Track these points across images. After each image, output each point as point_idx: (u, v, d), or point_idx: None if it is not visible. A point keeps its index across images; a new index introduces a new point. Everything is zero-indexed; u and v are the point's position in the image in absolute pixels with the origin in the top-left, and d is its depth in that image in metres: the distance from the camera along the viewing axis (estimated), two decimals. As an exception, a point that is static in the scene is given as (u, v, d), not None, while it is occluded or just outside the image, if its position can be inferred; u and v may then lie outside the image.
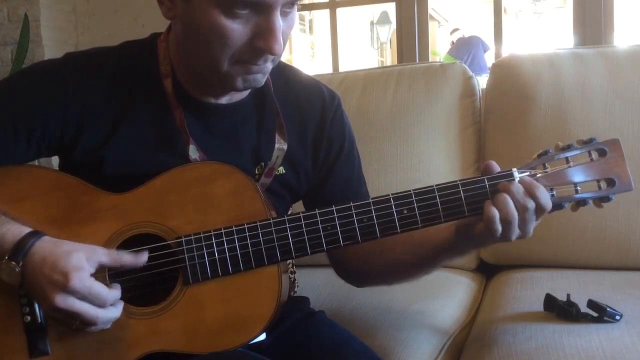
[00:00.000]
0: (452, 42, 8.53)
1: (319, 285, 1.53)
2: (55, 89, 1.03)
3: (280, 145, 1.11)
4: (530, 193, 0.96)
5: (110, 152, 1.04)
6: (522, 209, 0.95)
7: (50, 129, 1.04)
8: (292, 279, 1.38)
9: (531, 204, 0.95)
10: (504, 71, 1.73)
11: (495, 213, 0.95)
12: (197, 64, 1.02)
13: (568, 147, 1.01)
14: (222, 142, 1.09)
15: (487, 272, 1.73)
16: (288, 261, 1.26)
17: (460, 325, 1.38)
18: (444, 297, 1.48)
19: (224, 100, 1.10)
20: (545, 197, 0.96)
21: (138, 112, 1.06)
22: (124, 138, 1.05)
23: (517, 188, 0.96)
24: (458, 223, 1.01)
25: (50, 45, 2.86)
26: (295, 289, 1.39)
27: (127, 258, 0.97)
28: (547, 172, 1.00)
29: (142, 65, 1.08)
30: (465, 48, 7.76)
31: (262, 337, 1.05)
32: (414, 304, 1.41)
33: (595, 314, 1.18)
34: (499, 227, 0.96)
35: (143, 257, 0.98)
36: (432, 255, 1.09)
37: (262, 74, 1.01)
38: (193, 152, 1.05)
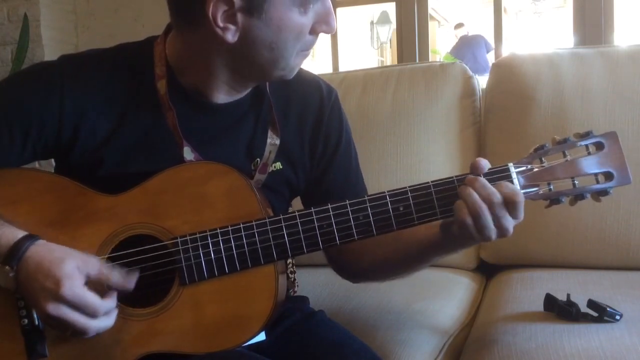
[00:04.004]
0: (456, 36, 8.43)
1: (318, 285, 1.53)
2: (51, 90, 1.03)
3: (273, 140, 1.11)
4: (495, 186, 0.96)
5: (106, 153, 1.04)
6: (489, 203, 0.94)
7: (46, 130, 1.03)
8: (292, 279, 1.38)
9: (497, 197, 0.95)
10: (504, 71, 1.73)
11: (463, 205, 0.95)
12: (258, 68, 1.03)
13: (565, 141, 1.00)
14: (220, 140, 1.10)
15: (487, 272, 1.73)
16: (287, 260, 1.26)
17: (460, 325, 1.38)
18: (444, 297, 1.48)
19: (224, 99, 1.10)
20: (511, 187, 0.96)
21: (133, 114, 1.06)
22: (119, 139, 1.05)
23: (482, 182, 0.96)
24: (442, 222, 1.01)
25: (50, 45, 2.86)
26: (295, 289, 1.39)
27: (116, 279, 0.95)
28: (543, 166, 0.99)
29: (137, 66, 1.08)
30: (468, 46, 7.71)
31: (262, 337, 1.05)
32: (414, 304, 1.41)
33: (595, 314, 1.18)
34: (469, 220, 0.95)
35: (132, 280, 0.96)
36: (419, 253, 1.09)
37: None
38: (187, 154, 1.05)
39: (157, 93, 1.06)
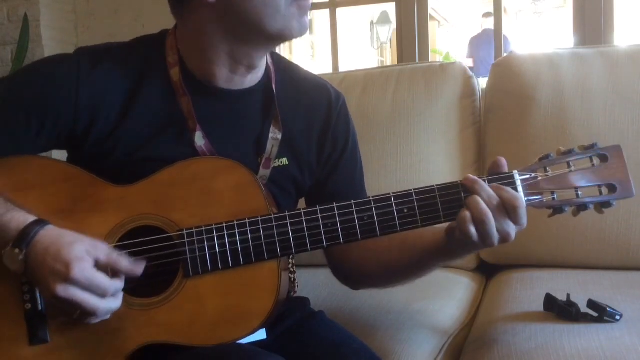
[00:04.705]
0: (481, 25, 8.28)
1: (319, 285, 1.53)
2: (67, 81, 1.05)
3: (275, 135, 1.13)
4: (496, 190, 0.97)
5: (119, 141, 1.06)
6: (491, 208, 0.96)
7: (61, 120, 1.05)
8: (292, 279, 1.38)
9: (496, 201, 0.96)
10: (504, 71, 1.73)
11: (467, 214, 0.96)
12: (251, 25, 1.03)
13: (570, 152, 1.01)
14: (229, 130, 1.12)
15: (487, 272, 1.73)
16: (288, 260, 1.26)
17: (460, 325, 1.38)
18: (444, 297, 1.48)
19: (232, 82, 1.12)
20: (512, 193, 0.97)
21: (146, 101, 1.08)
22: (132, 127, 1.07)
23: (481, 184, 0.97)
24: (447, 227, 1.02)
25: (50, 45, 2.86)
26: (295, 289, 1.39)
27: (125, 264, 0.97)
28: (548, 175, 1.00)
29: (151, 57, 1.11)
30: (488, 41, 7.41)
31: (263, 335, 1.06)
32: (414, 304, 1.41)
33: (595, 314, 1.18)
34: (472, 229, 0.96)
35: (140, 267, 0.98)
36: (424, 258, 1.09)
37: (307, 16, 1.06)
38: (199, 139, 1.08)
39: (170, 81, 1.09)
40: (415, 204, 1.00)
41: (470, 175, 0.99)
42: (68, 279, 0.91)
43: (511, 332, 1.19)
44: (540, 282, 1.48)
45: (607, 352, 1.07)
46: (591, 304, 1.19)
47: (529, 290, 1.43)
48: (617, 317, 1.17)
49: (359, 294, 1.43)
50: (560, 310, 1.21)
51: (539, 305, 1.26)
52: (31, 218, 0.96)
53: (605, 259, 1.56)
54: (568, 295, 1.22)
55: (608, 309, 1.17)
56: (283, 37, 1.07)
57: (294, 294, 1.32)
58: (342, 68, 2.86)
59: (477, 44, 7.54)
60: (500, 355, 1.12)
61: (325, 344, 1.09)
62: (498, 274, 1.67)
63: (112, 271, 0.95)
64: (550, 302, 1.23)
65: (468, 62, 7.21)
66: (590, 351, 1.07)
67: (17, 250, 0.93)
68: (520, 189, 0.99)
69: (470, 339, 1.31)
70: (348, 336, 1.13)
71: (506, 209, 0.96)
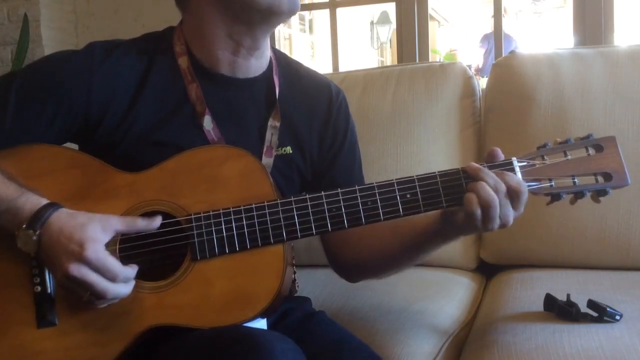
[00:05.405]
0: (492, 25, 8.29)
1: (319, 285, 1.53)
2: (80, 68, 1.08)
3: (273, 123, 1.17)
4: (499, 176, 0.99)
5: (131, 125, 1.09)
6: (498, 193, 0.98)
7: (75, 108, 1.08)
8: (293, 279, 1.38)
9: (502, 187, 0.98)
10: (504, 71, 1.73)
11: (473, 196, 0.98)
12: (242, 3, 1.08)
13: (566, 142, 1.04)
14: (233, 117, 1.15)
15: (487, 272, 1.73)
16: (293, 256, 1.27)
17: (460, 325, 1.38)
18: (444, 297, 1.48)
19: (239, 73, 1.16)
20: (516, 179, 0.99)
21: (156, 87, 1.12)
22: (143, 112, 1.10)
23: (486, 171, 1.00)
24: (447, 211, 1.04)
25: (50, 45, 2.86)
26: (296, 289, 1.39)
27: (141, 223, 1.01)
28: (545, 163, 1.03)
29: (159, 47, 1.15)
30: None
31: (264, 327, 1.07)
32: (414, 304, 1.41)
33: (595, 314, 1.18)
34: (478, 210, 0.97)
35: (156, 222, 1.02)
36: (417, 242, 1.11)
37: None
38: (207, 123, 1.11)
39: (178, 68, 1.13)
40: (418, 189, 1.03)
41: (473, 163, 1.02)
42: (81, 258, 0.93)
43: (511, 332, 1.19)
44: (540, 282, 1.48)
45: (607, 352, 1.07)
46: (591, 304, 1.19)
47: (529, 290, 1.43)
48: (617, 317, 1.17)
49: (359, 294, 1.44)
50: (560, 310, 1.21)
51: (539, 305, 1.26)
52: (45, 201, 0.99)
53: (605, 259, 1.56)
54: (568, 295, 1.23)
55: (608, 309, 1.17)
56: (274, 11, 1.10)
57: (295, 294, 1.32)
58: (342, 68, 2.86)
59: (486, 39, 7.56)
60: (500, 355, 1.12)
61: (325, 342, 1.10)
62: (498, 274, 1.67)
63: (133, 232, 1.00)
64: (550, 302, 1.24)
65: (479, 53, 7.22)
66: (590, 351, 1.08)
67: (30, 231, 0.95)
68: (519, 175, 1.01)
69: (470, 339, 1.31)
70: (347, 334, 1.14)
71: (510, 195, 0.98)
